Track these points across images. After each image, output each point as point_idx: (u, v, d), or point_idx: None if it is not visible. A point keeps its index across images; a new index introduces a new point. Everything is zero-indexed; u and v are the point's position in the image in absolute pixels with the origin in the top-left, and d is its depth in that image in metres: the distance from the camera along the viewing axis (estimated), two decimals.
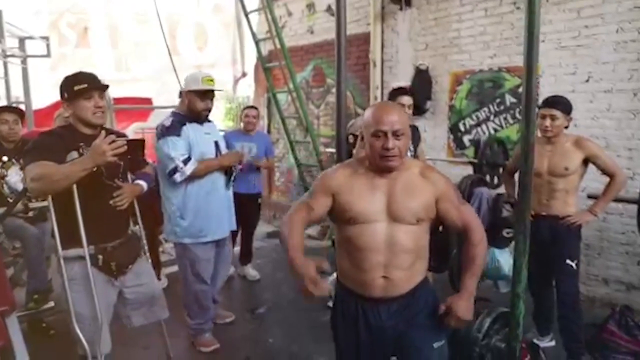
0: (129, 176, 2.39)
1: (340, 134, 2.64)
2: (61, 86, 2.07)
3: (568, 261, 2.64)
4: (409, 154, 2.53)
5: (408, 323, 1.67)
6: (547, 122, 2.61)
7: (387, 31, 5.10)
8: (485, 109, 4.30)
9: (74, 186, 1.97)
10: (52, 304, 3.26)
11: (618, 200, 2.86)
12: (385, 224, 1.61)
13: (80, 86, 2.03)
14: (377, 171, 1.64)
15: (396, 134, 1.57)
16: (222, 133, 3.49)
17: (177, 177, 2.72)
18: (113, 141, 1.82)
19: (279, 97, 5.87)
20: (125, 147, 1.84)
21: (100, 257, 2.11)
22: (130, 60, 8.57)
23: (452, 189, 1.72)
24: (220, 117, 8.53)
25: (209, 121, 3.03)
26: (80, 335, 2.06)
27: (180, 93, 2.91)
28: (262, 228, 6.42)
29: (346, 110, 5.73)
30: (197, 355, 3.03)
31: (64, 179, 1.86)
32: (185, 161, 2.73)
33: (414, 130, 3.27)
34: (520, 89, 4.05)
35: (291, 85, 5.41)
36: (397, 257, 1.62)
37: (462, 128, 4.53)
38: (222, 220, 2.94)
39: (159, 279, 4.04)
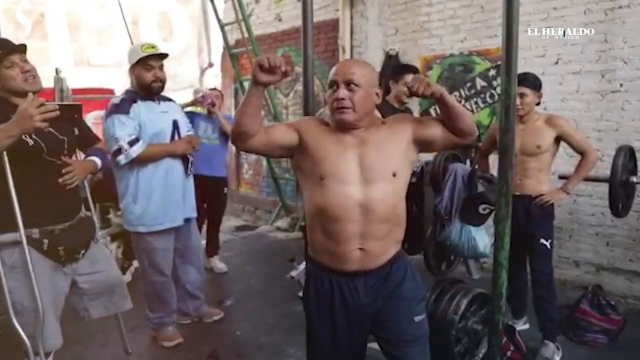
0: (79, 155, 2.20)
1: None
2: None
3: (542, 240, 2.59)
4: None
5: (386, 297, 1.56)
6: (517, 100, 2.54)
7: (356, 16, 5.00)
8: (456, 93, 4.26)
9: (6, 162, 1.76)
10: None
11: (589, 179, 2.84)
12: (359, 187, 1.49)
13: None
14: (342, 130, 1.53)
15: (349, 84, 1.48)
16: (185, 110, 3.33)
17: (121, 159, 2.51)
18: (42, 104, 1.63)
19: (246, 86, 5.71)
20: (58, 112, 1.65)
21: (46, 241, 1.90)
22: (90, 50, 8.16)
23: (414, 116, 1.70)
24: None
25: (169, 100, 2.84)
26: (20, 329, 1.85)
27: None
28: (231, 222, 6.27)
29: (315, 97, 5.59)
30: (159, 350, 2.85)
31: None
32: (132, 142, 2.52)
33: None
34: (491, 73, 4.06)
35: None
36: (373, 227, 1.50)
37: (433, 114, 4.46)
38: (179, 206, 2.75)
39: (124, 273, 3.84)
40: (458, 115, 1.49)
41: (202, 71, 7.68)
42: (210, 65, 7.54)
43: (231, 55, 5.66)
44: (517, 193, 2.58)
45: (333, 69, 1.52)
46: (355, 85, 1.48)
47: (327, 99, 1.52)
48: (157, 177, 2.66)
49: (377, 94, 1.55)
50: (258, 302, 3.60)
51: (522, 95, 2.52)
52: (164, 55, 2.64)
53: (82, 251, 2.05)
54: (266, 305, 3.52)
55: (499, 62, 3.95)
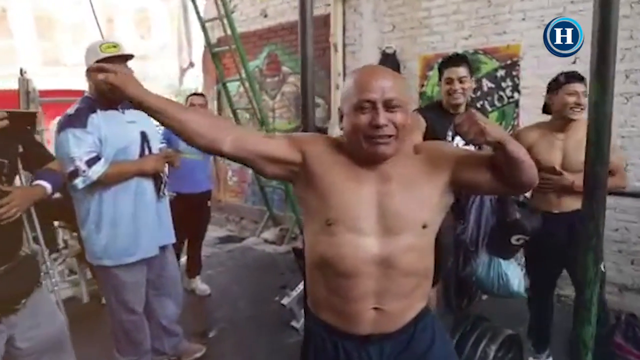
0: (23, 177, 1.79)
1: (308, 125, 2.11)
2: None
3: None
4: None
5: None
6: (581, 99, 2.14)
7: (349, 12, 4.67)
8: None
9: None
10: None
11: (625, 194, 2.52)
12: (376, 239, 1.14)
13: None
14: (359, 158, 1.17)
15: (389, 105, 1.11)
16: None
17: (78, 182, 2.09)
18: None
19: (229, 87, 5.33)
20: (7, 121, 1.28)
21: None
22: (63, 48, 7.64)
23: (456, 148, 1.39)
24: None
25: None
26: None
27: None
28: (214, 232, 5.85)
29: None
30: None
31: None
32: (91, 162, 2.10)
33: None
34: (499, 73, 3.72)
35: (243, 73, 4.88)
36: (394, 283, 1.16)
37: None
38: (151, 234, 2.34)
39: None
40: (519, 167, 1.11)
41: (183, 71, 7.22)
42: (191, 65, 7.09)
43: (213, 54, 5.26)
44: (556, 211, 2.20)
45: (359, 83, 1.15)
46: (397, 105, 1.12)
47: (350, 123, 1.15)
48: (125, 201, 2.25)
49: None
50: (246, 332, 3.21)
51: (583, 94, 2.13)
52: (128, 57, 2.22)
53: (23, 300, 1.64)
54: (255, 336, 3.15)
55: (508, 62, 3.65)
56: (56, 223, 3.71)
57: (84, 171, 2.07)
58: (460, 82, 2.34)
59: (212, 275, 4.30)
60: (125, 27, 8.21)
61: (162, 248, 2.48)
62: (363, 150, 1.14)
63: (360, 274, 1.14)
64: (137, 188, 2.28)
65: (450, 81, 2.33)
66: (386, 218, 1.14)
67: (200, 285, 3.90)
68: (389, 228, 1.14)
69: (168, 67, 7.58)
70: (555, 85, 2.28)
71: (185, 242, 3.82)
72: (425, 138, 2.28)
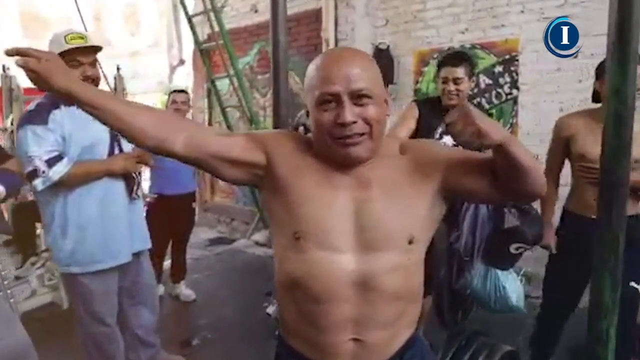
0: None
1: (279, 123, 1.96)
2: None
3: (632, 283, 2.00)
4: None
5: None
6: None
7: (341, 6, 4.52)
8: None
9: None
10: None
11: None
12: (353, 256, 0.97)
13: None
14: (333, 161, 1.00)
15: (357, 97, 0.94)
16: None
17: (38, 184, 1.92)
18: None
19: (219, 85, 5.16)
20: None
21: None
22: (47, 46, 7.44)
23: (449, 149, 1.16)
24: None
25: None
26: None
27: None
28: (204, 234, 5.71)
29: (294, 98, 5.06)
30: None
31: None
32: (52, 161, 1.93)
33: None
34: (497, 69, 3.56)
35: (231, 71, 4.73)
36: (375, 309, 0.99)
37: None
38: (123, 239, 2.18)
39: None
40: (524, 173, 0.92)
41: (173, 69, 7.04)
42: (181, 62, 6.91)
43: (201, 51, 5.10)
44: (594, 217, 2.02)
45: (321, 72, 0.97)
46: (367, 96, 0.95)
47: (314, 121, 0.99)
48: (92, 203, 2.09)
49: (386, 101, 1.02)
50: (232, 341, 3.06)
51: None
52: (97, 49, 2.06)
53: None
54: (242, 345, 2.99)
55: (506, 56, 3.50)
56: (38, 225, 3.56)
57: (43, 172, 1.91)
58: (456, 83, 2.24)
59: (199, 279, 4.15)
60: (115, 24, 8.01)
61: (137, 254, 2.33)
62: (331, 152, 0.97)
63: (335, 299, 0.97)
64: (106, 189, 2.12)
65: (445, 81, 2.24)
66: (365, 231, 0.97)
67: (184, 290, 3.74)
68: (368, 243, 0.97)
69: (159, 64, 7.39)
70: (604, 70, 2.08)
71: (169, 246, 3.68)
72: (417, 133, 2.18)
